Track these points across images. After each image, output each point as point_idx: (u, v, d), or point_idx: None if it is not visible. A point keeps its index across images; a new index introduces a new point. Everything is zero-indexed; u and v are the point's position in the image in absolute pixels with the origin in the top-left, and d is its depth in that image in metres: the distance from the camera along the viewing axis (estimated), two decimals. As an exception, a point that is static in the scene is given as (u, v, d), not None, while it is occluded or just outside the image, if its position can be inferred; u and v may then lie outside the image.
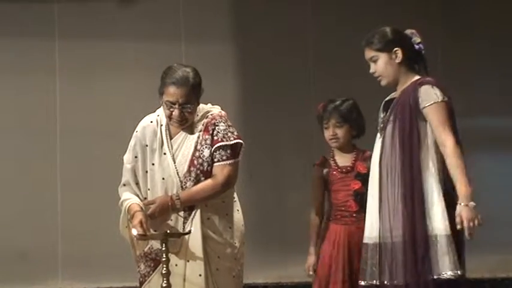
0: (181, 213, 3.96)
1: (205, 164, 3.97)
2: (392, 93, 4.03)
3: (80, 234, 6.00)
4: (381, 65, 3.93)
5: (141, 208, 3.95)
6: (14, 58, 6.15)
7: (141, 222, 3.86)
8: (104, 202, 5.44)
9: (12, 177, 6.05)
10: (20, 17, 6.18)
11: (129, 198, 4.00)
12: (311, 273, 4.50)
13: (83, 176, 6.08)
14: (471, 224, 3.66)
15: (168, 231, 3.81)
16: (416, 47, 3.96)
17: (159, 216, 3.95)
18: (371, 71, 3.97)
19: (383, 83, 3.98)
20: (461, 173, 3.70)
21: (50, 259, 6.01)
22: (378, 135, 3.95)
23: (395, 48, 3.91)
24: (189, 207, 3.95)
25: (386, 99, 4.03)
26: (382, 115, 3.98)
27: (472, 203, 3.67)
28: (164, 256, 3.65)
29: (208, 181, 3.95)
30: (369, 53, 3.96)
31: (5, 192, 6.01)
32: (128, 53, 6.28)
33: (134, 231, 3.80)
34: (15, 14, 6.17)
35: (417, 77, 3.92)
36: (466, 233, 3.67)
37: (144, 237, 3.84)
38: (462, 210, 3.67)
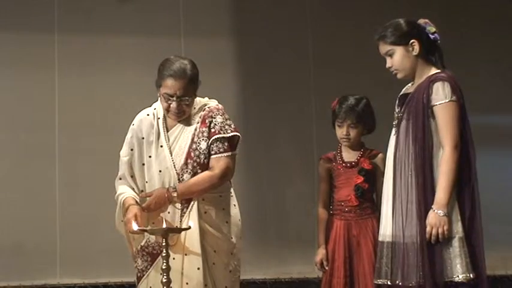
0: (179, 205, 3.96)
1: (202, 157, 3.97)
2: (407, 86, 3.98)
3: (78, 229, 5.99)
4: (398, 58, 3.85)
5: (136, 202, 3.95)
6: (13, 52, 6.13)
7: (135, 216, 3.86)
8: (102, 197, 5.43)
9: (10, 171, 6.04)
10: (19, 11, 6.16)
11: (124, 192, 4.01)
12: (321, 267, 4.53)
13: (81, 171, 6.07)
14: (434, 230, 3.66)
15: (168, 227, 3.79)
16: (432, 36, 3.86)
17: (155, 208, 3.95)
18: (387, 65, 3.89)
19: (399, 76, 3.90)
20: (445, 180, 3.67)
21: (48, 254, 6.00)
22: (393, 131, 3.91)
23: (412, 40, 3.83)
24: (186, 200, 3.95)
25: (401, 93, 3.98)
26: (397, 110, 3.93)
27: (441, 212, 3.66)
28: (164, 251, 3.64)
29: (206, 173, 3.95)
30: (384, 47, 3.88)
31: (3, 186, 6.00)
32: (127, 48, 6.27)
33: (135, 226, 3.80)
34: (14, 8, 6.15)
35: (433, 70, 3.84)
36: (427, 237, 3.68)
37: (143, 232, 3.84)
38: (430, 215, 3.68)
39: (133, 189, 4.03)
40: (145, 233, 3.92)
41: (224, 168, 3.95)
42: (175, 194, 3.92)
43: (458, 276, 3.68)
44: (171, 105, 3.94)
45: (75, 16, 6.21)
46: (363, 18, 6.35)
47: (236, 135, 4.01)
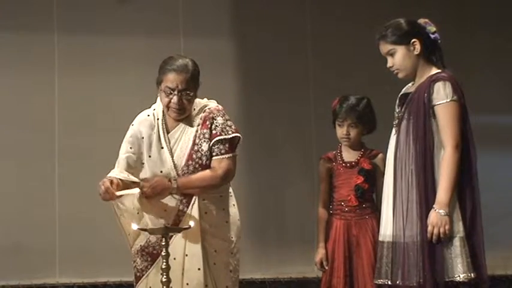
0: (180, 205, 3.95)
1: (204, 158, 3.98)
2: (408, 85, 3.98)
3: (77, 229, 5.99)
4: (399, 58, 3.85)
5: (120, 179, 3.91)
6: (13, 53, 6.13)
7: (111, 182, 3.82)
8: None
9: (10, 172, 6.04)
10: (19, 11, 6.16)
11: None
12: (320, 267, 4.53)
13: (81, 171, 6.06)
14: (435, 230, 3.67)
15: (168, 226, 3.80)
16: (432, 36, 3.87)
17: (152, 192, 3.91)
18: (388, 65, 3.90)
19: (400, 76, 3.91)
20: (446, 180, 3.68)
21: (47, 254, 6.00)
22: (393, 131, 3.92)
23: (413, 40, 3.84)
24: (186, 200, 3.95)
25: (402, 92, 3.98)
26: (397, 110, 3.93)
27: (442, 211, 3.66)
28: (164, 251, 3.64)
29: (207, 172, 3.96)
30: (385, 47, 3.88)
31: (3, 187, 6.00)
32: (127, 48, 6.27)
33: (134, 226, 3.80)
34: (14, 8, 6.15)
35: (434, 70, 3.85)
36: (428, 236, 3.69)
37: (142, 230, 3.83)
38: (431, 214, 3.69)
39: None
40: (146, 233, 3.92)
41: (226, 170, 3.96)
42: (175, 186, 3.91)
43: (459, 276, 3.68)
44: (172, 100, 3.94)
45: (75, 16, 6.21)
46: (363, 19, 6.35)
47: (237, 136, 4.02)
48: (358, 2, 6.63)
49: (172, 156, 3.99)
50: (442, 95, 3.75)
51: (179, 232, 3.85)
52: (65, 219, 6.05)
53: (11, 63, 6.12)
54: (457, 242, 3.70)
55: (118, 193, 3.86)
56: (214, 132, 3.99)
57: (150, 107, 4.14)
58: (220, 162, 3.97)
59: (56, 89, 6.15)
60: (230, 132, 4.00)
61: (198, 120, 4.02)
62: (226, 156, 3.98)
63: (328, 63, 6.51)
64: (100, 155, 5.88)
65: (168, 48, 5.83)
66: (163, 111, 4.06)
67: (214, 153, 3.98)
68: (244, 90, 6.45)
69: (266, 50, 6.47)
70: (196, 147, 3.99)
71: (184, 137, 4.01)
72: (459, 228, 3.71)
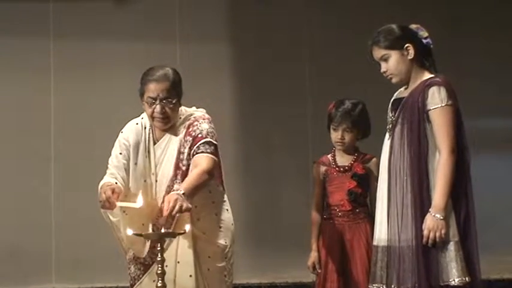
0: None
1: (186, 163, 3.95)
2: (401, 89, 3.97)
3: (73, 234, 6.00)
4: (393, 63, 3.85)
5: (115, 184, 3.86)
6: (9, 57, 6.14)
7: (112, 190, 3.73)
8: (97, 202, 5.43)
9: (6, 176, 6.04)
10: (15, 16, 6.17)
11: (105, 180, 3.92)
12: (313, 270, 4.52)
13: (76, 176, 6.07)
14: (431, 234, 3.67)
15: (163, 231, 3.80)
16: (424, 41, 3.87)
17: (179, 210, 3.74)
18: (382, 70, 3.89)
19: (394, 81, 3.90)
20: (442, 184, 3.68)
21: (43, 259, 6.00)
22: (387, 135, 3.91)
23: (407, 45, 3.83)
24: None
25: (394, 97, 3.97)
26: (390, 114, 3.92)
27: (438, 215, 3.67)
28: (159, 256, 3.64)
29: (194, 170, 3.85)
30: (379, 52, 3.87)
31: (-1, 192, 6.02)
32: (123, 53, 6.27)
33: (129, 232, 3.79)
34: (10, 13, 6.16)
35: (427, 75, 3.84)
36: (424, 241, 3.69)
37: (138, 235, 3.82)
38: (428, 218, 3.69)
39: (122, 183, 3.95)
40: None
41: (211, 165, 3.86)
42: (182, 192, 3.74)
43: (454, 280, 3.68)
44: (155, 109, 3.94)
45: (71, 21, 6.22)
46: (361, 24, 6.33)
47: (217, 144, 3.97)
48: (356, 8, 6.62)
49: (156, 166, 3.98)
50: (437, 100, 3.75)
51: (174, 237, 3.84)
52: (61, 224, 6.05)
53: (7, 69, 6.13)
54: (451, 247, 3.71)
55: (119, 204, 3.80)
56: (200, 135, 3.93)
57: (139, 116, 4.14)
58: (203, 159, 3.86)
59: (51, 94, 6.16)
60: (214, 139, 3.96)
61: (182, 129, 4.01)
62: (211, 156, 3.89)
63: (325, 68, 6.51)
64: (96, 160, 5.83)
65: (165, 53, 5.87)
66: None
67: (199, 151, 3.89)
68: (241, 94, 6.45)
69: (263, 55, 6.47)
70: (181, 156, 3.97)
71: (171, 147, 4.00)
72: (454, 232, 3.71)
